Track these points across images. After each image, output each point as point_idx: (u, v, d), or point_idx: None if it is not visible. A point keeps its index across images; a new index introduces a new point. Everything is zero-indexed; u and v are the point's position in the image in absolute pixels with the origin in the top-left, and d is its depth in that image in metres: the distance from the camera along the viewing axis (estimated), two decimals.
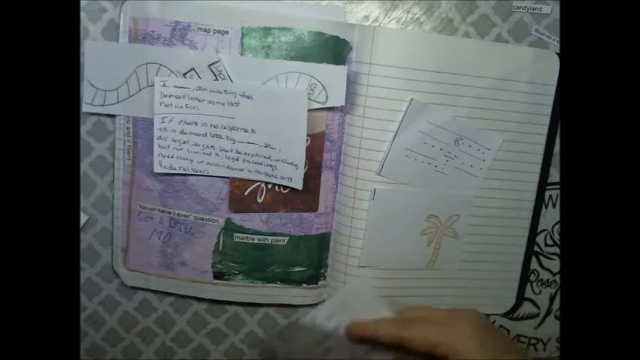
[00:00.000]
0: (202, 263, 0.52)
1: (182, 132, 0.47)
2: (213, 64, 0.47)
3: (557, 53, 0.49)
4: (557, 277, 0.56)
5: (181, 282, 0.52)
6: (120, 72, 0.47)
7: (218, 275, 0.52)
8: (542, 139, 0.51)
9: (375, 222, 0.50)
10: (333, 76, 0.47)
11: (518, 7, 0.49)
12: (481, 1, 0.48)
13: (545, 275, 0.56)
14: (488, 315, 0.56)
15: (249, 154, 0.48)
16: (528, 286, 0.56)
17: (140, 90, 0.47)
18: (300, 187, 0.48)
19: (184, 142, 0.48)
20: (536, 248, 0.55)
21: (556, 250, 0.55)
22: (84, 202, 0.51)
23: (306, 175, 0.49)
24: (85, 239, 0.52)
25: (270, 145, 0.48)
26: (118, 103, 0.48)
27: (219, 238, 0.51)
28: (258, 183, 0.50)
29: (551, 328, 0.57)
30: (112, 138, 0.49)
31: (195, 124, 0.47)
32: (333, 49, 0.47)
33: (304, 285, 0.53)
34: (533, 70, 0.49)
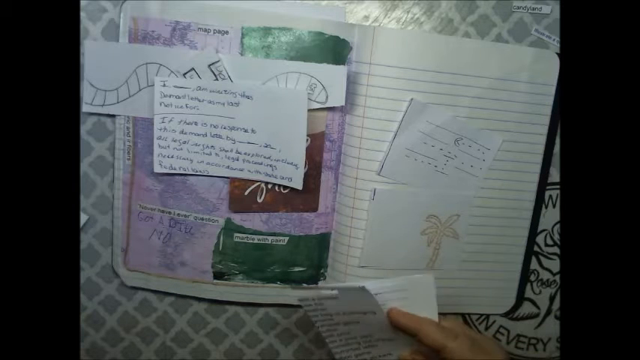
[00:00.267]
0: (202, 263, 0.52)
1: (182, 132, 0.47)
2: (213, 64, 0.47)
3: (557, 53, 0.49)
4: (557, 277, 0.56)
5: (181, 282, 0.52)
6: (120, 72, 0.47)
7: (218, 275, 0.52)
8: (542, 139, 0.51)
9: (375, 222, 0.50)
10: (333, 76, 0.47)
11: (518, 7, 0.49)
12: (481, 1, 0.48)
13: (545, 275, 0.56)
14: (488, 315, 0.56)
15: (249, 154, 0.48)
16: (528, 286, 0.56)
17: (140, 90, 0.47)
18: (300, 187, 0.48)
19: (184, 142, 0.48)
20: (536, 248, 0.55)
21: (556, 250, 0.55)
22: (84, 202, 0.51)
23: (306, 175, 0.49)
24: (85, 239, 0.52)
25: (270, 145, 0.48)
26: (118, 103, 0.48)
27: (219, 238, 0.51)
28: (258, 183, 0.50)
29: (551, 328, 0.57)
30: (112, 138, 0.49)
31: (195, 124, 0.47)
32: (333, 49, 0.47)
33: (304, 285, 0.53)
34: (533, 70, 0.49)
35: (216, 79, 0.47)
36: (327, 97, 0.47)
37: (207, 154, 0.48)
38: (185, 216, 0.50)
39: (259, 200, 0.50)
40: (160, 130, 0.47)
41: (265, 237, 0.51)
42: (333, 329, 0.45)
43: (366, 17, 0.49)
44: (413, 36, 0.48)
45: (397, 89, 0.47)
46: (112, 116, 0.49)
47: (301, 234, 0.52)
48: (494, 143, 0.50)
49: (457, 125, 0.49)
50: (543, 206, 0.53)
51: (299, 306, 0.55)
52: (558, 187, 0.53)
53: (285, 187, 0.50)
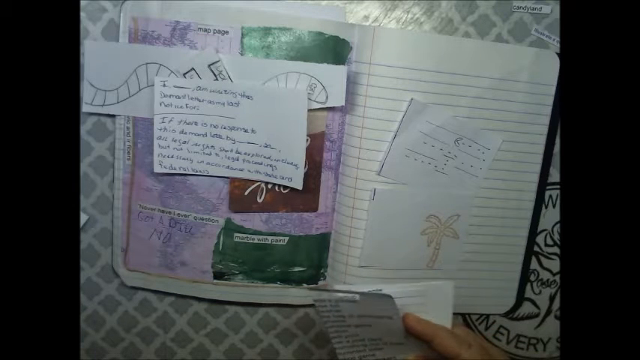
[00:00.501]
0: (202, 263, 0.52)
1: (182, 132, 0.47)
2: (213, 64, 0.47)
3: (557, 53, 0.49)
4: (557, 277, 0.56)
5: (181, 282, 0.52)
6: (120, 72, 0.47)
7: (218, 275, 0.52)
8: (542, 139, 0.51)
9: (375, 222, 0.50)
10: (333, 76, 0.47)
11: (518, 7, 0.49)
12: (481, 1, 0.48)
13: (545, 275, 0.56)
14: (488, 315, 0.56)
15: (249, 154, 0.48)
16: (528, 286, 0.56)
17: (140, 90, 0.47)
18: (300, 187, 0.48)
19: (184, 142, 0.48)
20: (536, 248, 0.55)
21: (556, 250, 0.55)
22: (84, 202, 0.51)
23: (306, 175, 0.49)
24: (85, 239, 0.52)
25: (270, 145, 0.48)
26: (118, 103, 0.48)
27: (219, 238, 0.51)
28: (258, 183, 0.50)
29: (551, 328, 0.57)
30: (112, 138, 0.49)
31: (195, 124, 0.47)
32: (333, 49, 0.47)
33: (304, 285, 0.53)
34: (533, 70, 0.49)
35: (216, 79, 0.47)
36: (327, 97, 0.47)
37: (207, 154, 0.48)
38: (185, 216, 0.50)
39: (259, 200, 0.50)
40: (160, 130, 0.47)
41: (265, 237, 0.51)
42: (343, 330, 0.45)
43: (366, 17, 0.49)
44: (413, 36, 0.48)
45: (397, 89, 0.47)
46: (112, 116, 0.49)
47: (301, 234, 0.52)
48: (494, 143, 0.50)
49: (457, 125, 0.49)
50: (543, 206, 0.53)
51: (299, 306, 0.55)
52: (558, 187, 0.53)
53: (285, 187, 0.50)
